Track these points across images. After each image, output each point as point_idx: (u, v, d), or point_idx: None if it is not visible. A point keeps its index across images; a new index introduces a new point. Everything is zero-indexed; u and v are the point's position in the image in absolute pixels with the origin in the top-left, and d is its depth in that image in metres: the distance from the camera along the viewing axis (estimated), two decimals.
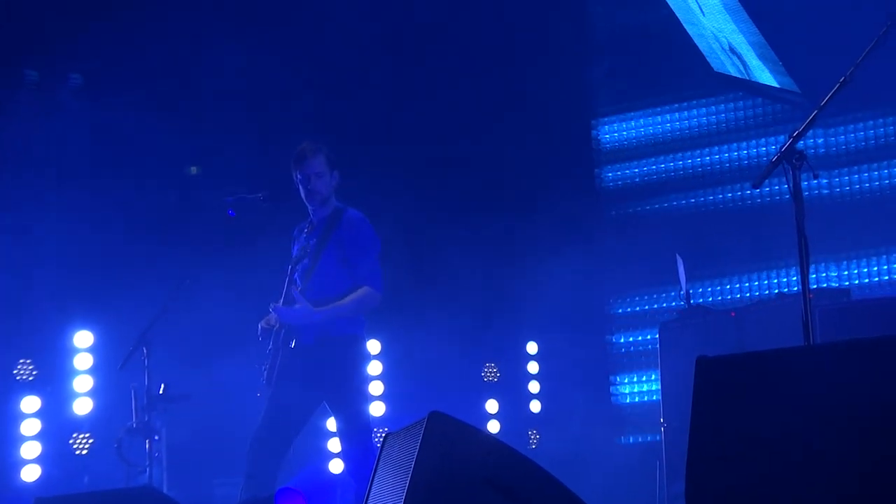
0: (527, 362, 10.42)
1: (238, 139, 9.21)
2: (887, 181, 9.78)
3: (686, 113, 10.76)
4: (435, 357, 9.41)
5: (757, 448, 3.23)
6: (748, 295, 10.17)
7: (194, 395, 7.51)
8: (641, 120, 10.97)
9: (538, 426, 10.32)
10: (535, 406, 10.35)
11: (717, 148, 10.58)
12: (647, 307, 10.73)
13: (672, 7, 10.53)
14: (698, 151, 10.67)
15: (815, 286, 9.35)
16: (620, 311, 10.89)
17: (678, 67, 10.74)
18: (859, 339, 3.34)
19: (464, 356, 9.84)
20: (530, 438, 10.26)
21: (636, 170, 10.97)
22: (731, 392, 3.34)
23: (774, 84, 10.12)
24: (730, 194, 10.43)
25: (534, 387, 10.38)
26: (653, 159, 10.88)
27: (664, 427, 7.89)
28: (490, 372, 10.25)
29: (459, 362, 9.77)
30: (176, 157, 9.35)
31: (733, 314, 8.16)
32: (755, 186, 4.15)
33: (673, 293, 10.29)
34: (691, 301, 8.54)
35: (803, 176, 4.11)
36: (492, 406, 10.06)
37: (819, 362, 3.31)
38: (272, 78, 9.41)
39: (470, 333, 9.86)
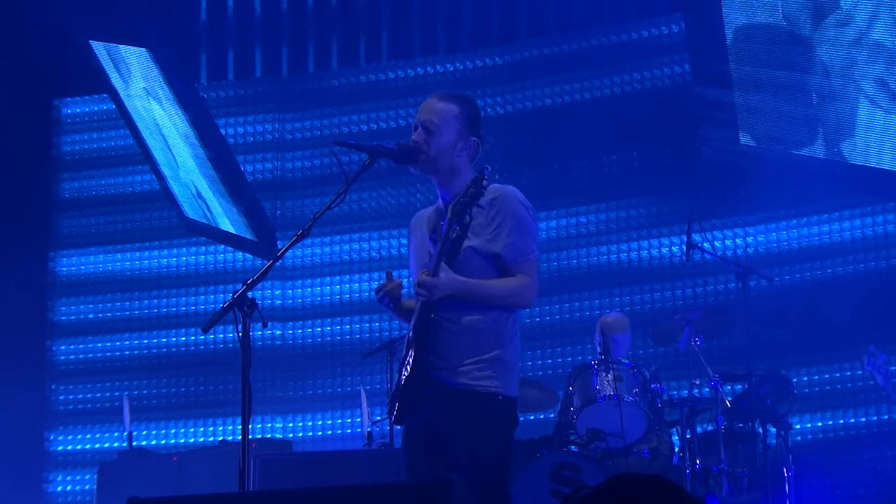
0: None
1: None
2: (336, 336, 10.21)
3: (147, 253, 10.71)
4: None
5: None
6: (192, 441, 10.15)
7: None
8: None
9: None
10: None
11: (175, 291, 10.58)
12: (88, 446, 10.38)
13: (152, 151, 10.53)
14: (155, 292, 10.61)
15: (259, 436, 9.51)
16: (61, 448, 10.46)
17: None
18: (294, 489, 3.41)
19: None
20: None
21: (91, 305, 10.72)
22: None
23: (232, 230, 10.36)
24: (183, 338, 10.44)
25: None
26: (109, 295, 10.69)
27: None
28: None
29: None
30: None
31: (175, 458, 8.12)
32: (204, 331, 4.18)
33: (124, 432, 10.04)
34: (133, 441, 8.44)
35: (257, 325, 4.19)
36: None
37: None
38: None
39: None
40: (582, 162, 9.76)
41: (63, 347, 10.66)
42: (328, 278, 10.23)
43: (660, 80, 9.58)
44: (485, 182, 4.30)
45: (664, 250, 9.40)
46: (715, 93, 9.03)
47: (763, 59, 8.82)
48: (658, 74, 9.59)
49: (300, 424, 10.04)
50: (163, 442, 10.18)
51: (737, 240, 9.22)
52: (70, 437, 10.46)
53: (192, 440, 10.15)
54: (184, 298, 10.53)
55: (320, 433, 10.03)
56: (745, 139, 8.94)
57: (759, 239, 9.19)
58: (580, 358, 8.90)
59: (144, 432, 10.07)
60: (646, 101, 9.52)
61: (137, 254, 10.71)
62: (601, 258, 9.59)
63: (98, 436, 10.38)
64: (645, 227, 9.49)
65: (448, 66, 10.16)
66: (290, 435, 9.89)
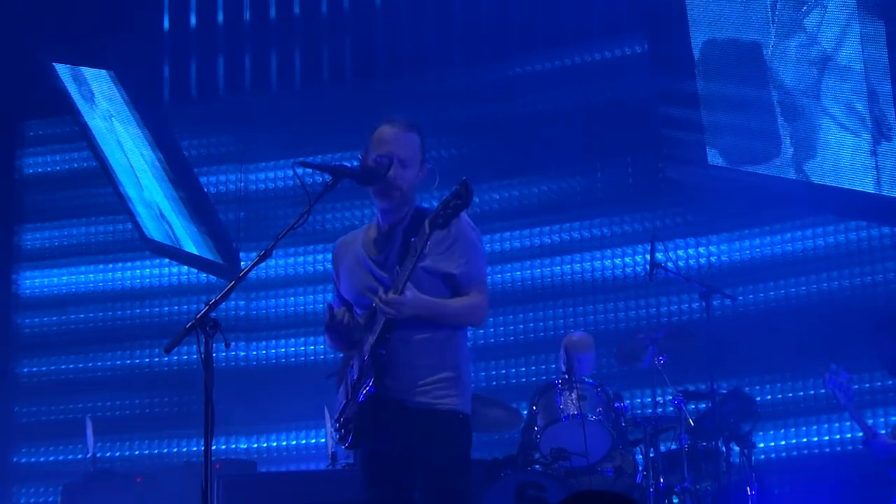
0: None
1: None
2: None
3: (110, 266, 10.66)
4: None
5: None
6: (157, 455, 10.09)
7: None
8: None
9: None
10: None
11: (124, 304, 10.55)
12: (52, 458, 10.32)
13: (115, 172, 10.50)
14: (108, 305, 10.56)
15: (224, 457, 9.45)
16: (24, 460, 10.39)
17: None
18: None
19: None
20: None
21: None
22: None
23: (195, 252, 10.33)
24: (147, 359, 10.37)
25: None
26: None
27: None
28: None
29: None
30: None
31: (139, 479, 8.08)
32: (167, 351, 4.17)
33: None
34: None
35: (220, 346, 4.17)
36: None
37: None
38: None
39: None
40: (546, 178, 9.80)
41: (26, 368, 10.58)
42: (291, 290, 10.20)
43: (624, 95, 9.63)
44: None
45: (628, 270, 9.44)
46: (680, 111, 9.09)
47: (729, 75, 8.89)
48: (622, 92, 9.62)
49: (264, 445, 9.98)
50: (127, 453, 10.13)
51: (700, 259, 9.26)
52: (34, 452, 10.38)
53: (156, 457, 10.06)
54: (148, 311, 10.47)
55: (285, 453, 9.98)
56: (712, 156, 8.99)
57: (723, 258, 9.23)
58: (543, 375, 8.93)
59: (108, 454, 10.00)
60: (611, 119, 9.57)
61: (101, 267, 10.65)
62: (565, 276, 9.61)
63: (62, 452, 10.31)
64: (608, 246, 9.52)
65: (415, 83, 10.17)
66: (255, 456, 9.84)
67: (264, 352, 10.19)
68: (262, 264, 4.49)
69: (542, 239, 9.72)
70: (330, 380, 7.84)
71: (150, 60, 10.53)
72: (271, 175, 10.43)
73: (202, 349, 4.12)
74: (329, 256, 9.85)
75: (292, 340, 10.16)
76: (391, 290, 4.38)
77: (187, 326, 4.12)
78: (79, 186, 10.83)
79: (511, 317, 9.47)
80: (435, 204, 4.37)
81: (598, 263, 9.54)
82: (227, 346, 4.16)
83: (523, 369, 9.50)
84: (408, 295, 4.37)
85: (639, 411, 8.01)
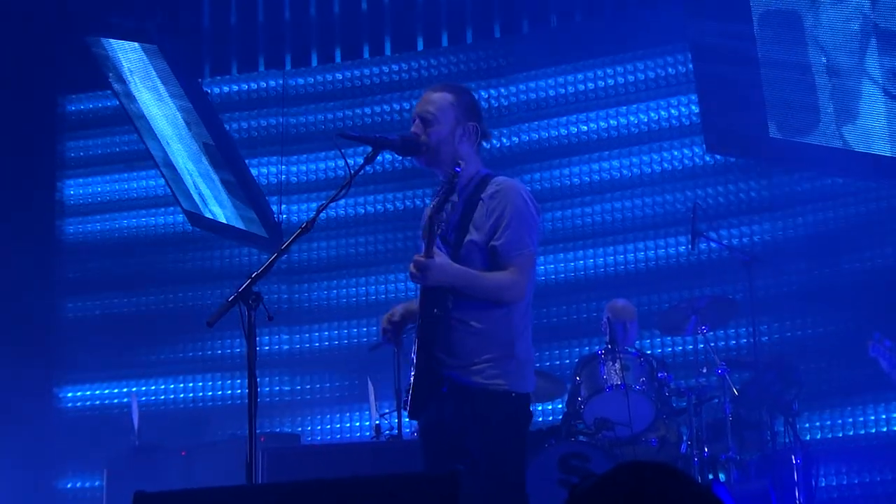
0: None
1: None
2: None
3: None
4: None
5: None
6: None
7: None
8: None
9: None
10: None
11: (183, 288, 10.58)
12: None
13: (160, 147, 10.53)
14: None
15: (268, 430, 9.50)
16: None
17: None
18: (301, 480, 3.41)
19: None
20: None
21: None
22: None
23: (240, 226, 10.35)
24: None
25: None
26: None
27: None
28: None
29: None
30: None
31: (184, 453, 8.14)
32: (209, 325, 4.15)
33: None
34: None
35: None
36: None
37: (257, 501, 3.35)
38: None
39: None
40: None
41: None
42: (335, 280, 10.20)
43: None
44: (455, 180, 4.36)
45: (670, 250, 9.35)
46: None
47: (779, 44, 8.73)
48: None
49: (308, 429, 9.98)
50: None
51: (743, 238, 9.15)
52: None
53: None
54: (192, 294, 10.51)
55: (329, 436, 9.96)
56: (772, 130, 8.81)
57: (766, 237, 9.12)
58: (587, 349, 8.90)
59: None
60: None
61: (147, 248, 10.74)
62: (607, 258, 9.54)
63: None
64: (651, 227, 9.45)
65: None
66: (299, 429, 9.88)
67: (307, 335, 10.14)
68: (306, 246, 4.50)
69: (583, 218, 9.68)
70: (373, 352, 7.89)
71: (191, 36, 10.56)
72: (312, 165, 10.43)
73: (245, 322, 4.13)
74: (371, 239, 9.93)
75: (335, 323, 10.15)
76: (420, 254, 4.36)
77: (229, 300, 4.13)
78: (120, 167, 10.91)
79: (552, 297, 9.43)
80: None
81: (640, 245, 9.48)
82: (270, 318, 4.17)
83: (566, 347, 9.40)
84: (436, 259, 4.31)
85: (682, 381, 7.94)
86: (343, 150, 4.51)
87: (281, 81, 10.50)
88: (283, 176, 10.41)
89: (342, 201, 9.47)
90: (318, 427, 9.93)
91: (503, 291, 4.40)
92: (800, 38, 8.59)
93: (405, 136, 4.55)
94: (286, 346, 10.09)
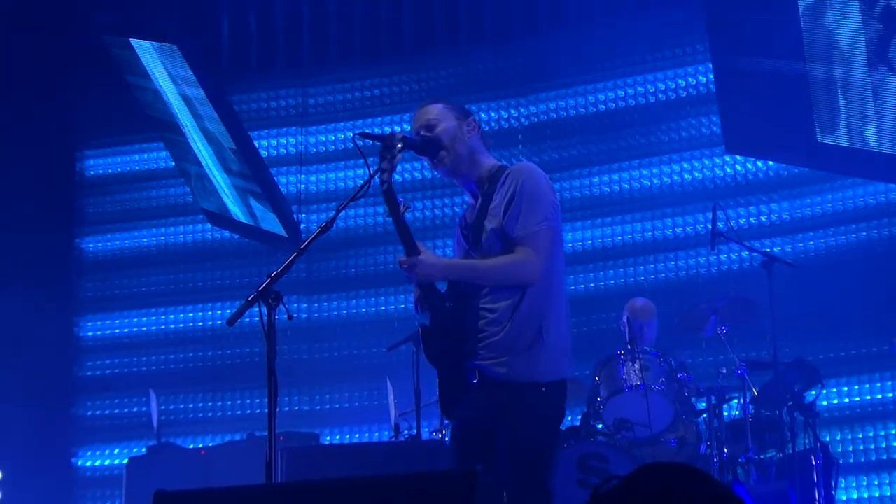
0: None
1: None
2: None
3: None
4: None
5: None
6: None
7: None
8: None
9: None
10: None
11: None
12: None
13: (186, 135, 10.55)
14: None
15: (286, 430, 9.49)
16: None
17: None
18: (321, 479, 3.42)
19: None
20: None
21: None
22: None
23: (259, 226, 10.37)
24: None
25: None
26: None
27: None
28: None
29: None
30: None
31: (203, 452, 8.16)
32: (229, 324, 4.16)
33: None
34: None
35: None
36: None
37: (276, 501, 3.35)
38: None
39: None
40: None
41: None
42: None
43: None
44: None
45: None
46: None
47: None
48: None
49: (327, 408, 9.95)
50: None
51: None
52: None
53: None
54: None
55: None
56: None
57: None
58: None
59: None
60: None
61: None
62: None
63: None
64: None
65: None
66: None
67: (326, 343, 10.12)
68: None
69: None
70: (390, 352, 7.87)
71: (211, 30, 10.58)
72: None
73: (264, 321, 4.13)
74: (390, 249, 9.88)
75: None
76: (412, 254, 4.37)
77: (249, 299, 4.13)
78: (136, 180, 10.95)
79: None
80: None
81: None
82: (290, 317, 4.18)
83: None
84: (420, 257, 4.31)
85: (701, 382, 7.92)
86: (361, 149, 4.49)
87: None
88: (303, 185, 10.42)
89: (362, 212, 9.77)
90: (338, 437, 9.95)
91: (514, 274, 4.34)
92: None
93: (425, 136, 4.57)
94: (305, 356, 10.08)
